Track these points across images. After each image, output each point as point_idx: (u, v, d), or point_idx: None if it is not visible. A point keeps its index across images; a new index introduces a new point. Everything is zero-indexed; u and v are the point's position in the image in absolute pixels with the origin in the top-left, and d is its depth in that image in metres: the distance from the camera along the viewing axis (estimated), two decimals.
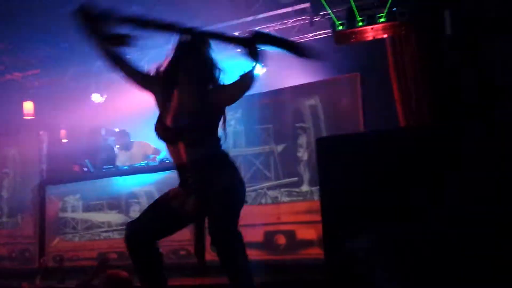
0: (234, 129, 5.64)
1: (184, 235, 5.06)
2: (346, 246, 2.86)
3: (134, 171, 5.94)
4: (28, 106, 7.52)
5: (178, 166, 2.64)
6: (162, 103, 2.60)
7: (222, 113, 2.62)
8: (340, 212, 2.90)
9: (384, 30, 4.35)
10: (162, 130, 2.58)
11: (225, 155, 2.67)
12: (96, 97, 6.96)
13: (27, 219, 6.58)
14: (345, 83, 5.13)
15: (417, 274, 2.71)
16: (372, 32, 4.38)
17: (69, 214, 6.26)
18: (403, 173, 2.86)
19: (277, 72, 6.01)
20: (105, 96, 7.14)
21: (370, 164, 2.83)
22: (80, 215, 6.20)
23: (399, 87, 4.59)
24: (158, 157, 6.02)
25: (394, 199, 2.81)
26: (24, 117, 7.48)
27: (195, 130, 2.53)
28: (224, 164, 2.63)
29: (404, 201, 2.80)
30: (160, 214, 2.61)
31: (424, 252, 2.71)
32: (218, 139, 2.66)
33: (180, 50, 2.56)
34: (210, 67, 2.58)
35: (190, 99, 2.55)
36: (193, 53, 2.57)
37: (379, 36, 4.47)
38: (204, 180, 2.59)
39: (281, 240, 5.21)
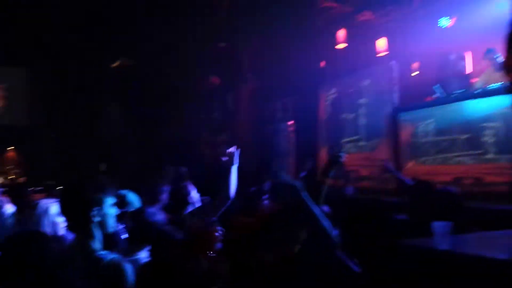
0: None
1: None
2: None
3: (487, 93, 5.53)
4: (381, 43, 7.86)
5: None
6: None
7: None
8: None
9: None
10: None
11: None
12: (444, 21, 6.69)
13: (383, 143, 7.09)
14: None
15: None
16: None
17: (421, 139, 6.39)
18: None
19: None
20: (453, 18, 6.80)
21: None
22: (432, 139, 6.25)
23: None
24: None
25: None
26: (377, 55, 7.84)
27: None
28: None
29: None
30: None
31: None
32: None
33: None
34: None
35: None
36: None
37: None
38: None
39: None
